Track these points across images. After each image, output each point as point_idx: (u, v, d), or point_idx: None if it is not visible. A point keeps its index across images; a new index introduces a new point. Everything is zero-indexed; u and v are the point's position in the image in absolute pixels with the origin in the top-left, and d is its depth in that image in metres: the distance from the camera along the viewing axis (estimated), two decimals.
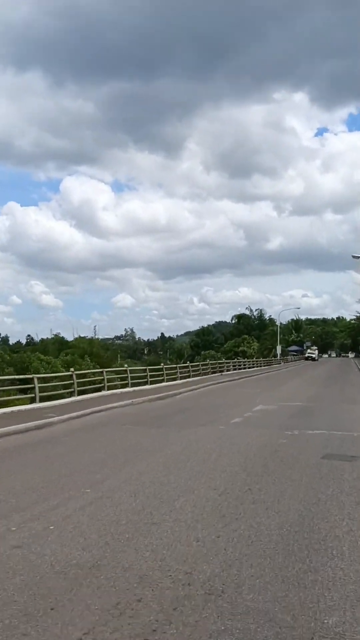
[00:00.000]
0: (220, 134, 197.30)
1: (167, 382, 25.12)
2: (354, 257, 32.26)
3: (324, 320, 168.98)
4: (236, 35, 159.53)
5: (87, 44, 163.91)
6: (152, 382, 23.52)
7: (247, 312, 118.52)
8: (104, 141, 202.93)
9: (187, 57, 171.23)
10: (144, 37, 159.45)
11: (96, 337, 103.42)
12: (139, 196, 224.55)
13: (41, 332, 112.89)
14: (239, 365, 46.69)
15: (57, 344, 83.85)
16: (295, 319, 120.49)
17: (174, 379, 26.89)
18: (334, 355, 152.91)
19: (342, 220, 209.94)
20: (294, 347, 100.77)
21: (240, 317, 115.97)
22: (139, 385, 22.17)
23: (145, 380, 23.45)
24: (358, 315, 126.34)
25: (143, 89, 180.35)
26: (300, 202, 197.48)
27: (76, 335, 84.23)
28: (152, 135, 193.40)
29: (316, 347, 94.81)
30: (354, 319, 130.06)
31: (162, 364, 30.66)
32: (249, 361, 50.99)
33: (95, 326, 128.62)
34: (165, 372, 26.20)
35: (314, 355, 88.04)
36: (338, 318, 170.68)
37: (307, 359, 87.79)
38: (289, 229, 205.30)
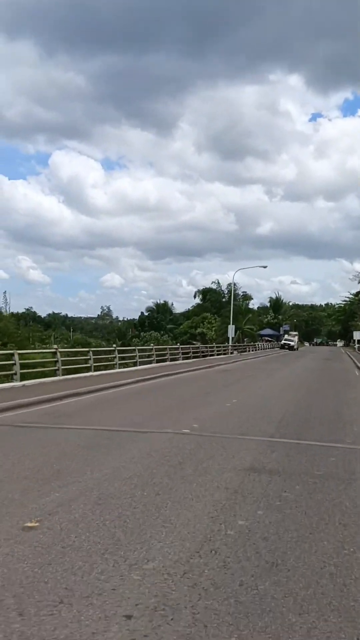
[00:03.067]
0: (213, 115, 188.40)
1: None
2: None
3: (312, 307, 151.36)
4: (231, 11, 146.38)
5: (78, 15, 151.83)
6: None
7: (215, 287, 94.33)
8: (95, 115, 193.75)
9: (181, 32, 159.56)
10: (136, 9, 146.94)
11: (7, 310, 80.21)
12: (129, 174, 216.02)
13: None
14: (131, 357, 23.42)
15: None
16: (275, 297, 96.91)
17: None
18: (319, 342, 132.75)
19: (333, 208, 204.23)
20: (267, 331, 77.82)
21: (205, 293, 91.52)
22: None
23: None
24: (349, 298, 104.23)
25: (135, 63, 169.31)
26: (292, 187, 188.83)
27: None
28: (143, 111, 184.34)
29: (296, 333, 71.97)
30: (346, 301, 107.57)
31: None
32: (152, 350, 27.09)
33: (5, 292, 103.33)
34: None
35: (292, 343, 65.31)
36: (327, 304, 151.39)
37: (283, 347, 65.15)
38: (280, 214, 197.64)
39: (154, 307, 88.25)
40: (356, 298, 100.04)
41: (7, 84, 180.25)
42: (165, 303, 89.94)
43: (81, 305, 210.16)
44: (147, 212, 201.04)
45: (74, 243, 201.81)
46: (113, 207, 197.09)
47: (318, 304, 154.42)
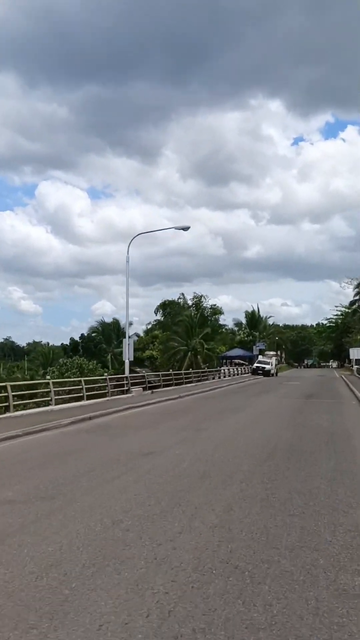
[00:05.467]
0: (197, 141, 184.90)
1: None
2: None
3: (303, 327, 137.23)
4: (212, 38, 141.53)
5: (60, 46, 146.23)
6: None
7: (180, 301, 76.22)
8: (80, 145, 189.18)
9: (163, 60, 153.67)
10: (118, 39, 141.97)
11: None
12: (115, 202, 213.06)
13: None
14: None
15: None
16: (251, 310, 79.17)
17: None
18: (310, 363, 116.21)
19: (319, 230, 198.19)
20: (237, 352, 60.13)
21: (165, 307, 73.49)
22: None
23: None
24: (341, 311, 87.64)
25: (118, 92, 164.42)
26: (277, 210, 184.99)
27: None
28: (128, 140, 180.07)
29: (274, 353, 54.74)
30: (338, 315, 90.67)
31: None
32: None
33: None
34: None
35: (267, 367, 47.80)
36: (318, 324, 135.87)
37: (255, 372, 47.70)
38: (266, 237, 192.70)
39: (99, 328, 69.85)
40: (349, 310, 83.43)
41: None
42: (115, 322, 71.34)
43: (74, 335, 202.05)
44: (135, 239, 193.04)
45: (63, 272, 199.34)
46: (101, 235, 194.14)
47: (309, 324, 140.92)
